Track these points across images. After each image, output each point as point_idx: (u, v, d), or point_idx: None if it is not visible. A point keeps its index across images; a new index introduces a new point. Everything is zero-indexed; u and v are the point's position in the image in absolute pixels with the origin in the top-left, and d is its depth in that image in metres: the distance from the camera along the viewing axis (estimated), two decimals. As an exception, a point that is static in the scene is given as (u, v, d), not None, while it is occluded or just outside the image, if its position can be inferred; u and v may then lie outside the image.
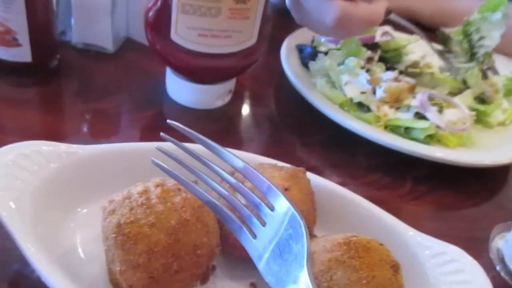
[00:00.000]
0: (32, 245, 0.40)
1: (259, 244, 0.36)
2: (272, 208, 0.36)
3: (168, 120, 0.41)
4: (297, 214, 0.35)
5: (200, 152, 0.39)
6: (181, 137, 0.40)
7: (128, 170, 0.50)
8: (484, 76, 0.90)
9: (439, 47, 0.97)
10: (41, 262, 0.39)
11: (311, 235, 0.47)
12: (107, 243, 0.41)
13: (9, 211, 0.41)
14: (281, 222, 0.36)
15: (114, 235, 0.39)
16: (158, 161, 0.39)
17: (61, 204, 0.48)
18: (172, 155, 0.39)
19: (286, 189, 0.46)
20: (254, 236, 0.37)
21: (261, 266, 0.36)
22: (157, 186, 0.42)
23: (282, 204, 0.36)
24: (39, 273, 0.39)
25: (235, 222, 0.37)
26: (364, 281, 0.38)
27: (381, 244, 0.42)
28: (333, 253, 0.40)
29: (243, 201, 0.38)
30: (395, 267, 0.40)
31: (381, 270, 0.39)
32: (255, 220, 0.37)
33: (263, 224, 0.37)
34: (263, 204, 0.37)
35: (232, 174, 0.39)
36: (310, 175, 0.53)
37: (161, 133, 0.39)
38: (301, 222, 0.35)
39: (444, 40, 0.98)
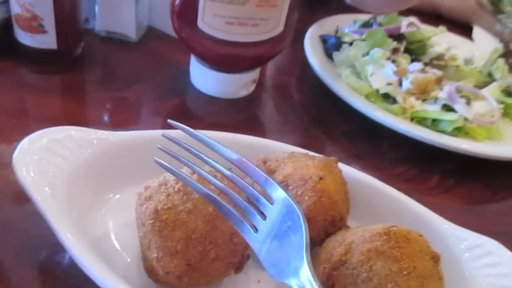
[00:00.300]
0: (68, 230, 0.39)
1: (260, 237, 0.37)
2: (271, 202, 0.37)
3: (168, 120, 0.42)
4: (295, 206, 0.35)
5: (199, 149, 0.40)
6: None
7: (157, 155, 0.49)
8: (511, 69, 0.88)
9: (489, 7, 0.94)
10: (77, 248, 0.39)
11: (345, 226, 0.47)
12: (143, 229, 0.40)
13: (44, 196, 0.41)
14: (280, 214, 0.36)
15: (151, 221, 0.39)
16: (160, 160, 0.40)
17: (93, 190, 0.47)
18: (172, 154, 0.40)
19: (320, 178, 0.45)
20: (255, 230, 0.37)
21: (262, 258, 0.37)
22: (193, 173, 0.41)
23: (280, 196, 0.36)
24: (74, 259, 0.39)
25: (236, 216, 0.38)
26: (405, 272, 0.37)
27: (420, 235, 0.41)
28: (372, 243, 0.39)
29: (242, 195, 0.39)
30: (435, 258, 0.39)
31: (421, 261, 0.38)
32: (255, 213, 0.38)
33: (263, 217, 0.37)
34: (262, 197, 0.37)
35: (230, 170, 0.40)
36: (341, 165, 0.52)
37: (163, 133, 0.42)
38: (299, 213, 0.35)
39: (494, 1, 0.95)
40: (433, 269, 0.39)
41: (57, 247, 0.44)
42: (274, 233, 0.36)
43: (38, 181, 0.42)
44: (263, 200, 0.37)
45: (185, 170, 0.41)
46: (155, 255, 0.39)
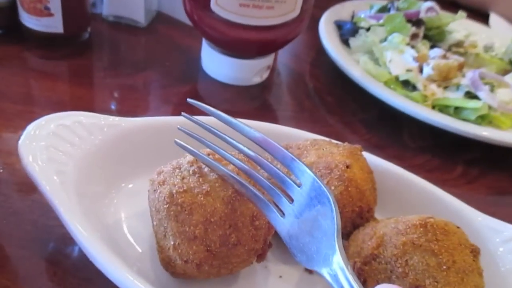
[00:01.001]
0: (77, 222, 0.36)
1: (288, 222, 0.34)
2: (299, 185, 0.34)
3: (188, 99, 0.40)
4: (324, 188, 0.33)
5: (222, 130, 0.38)
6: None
7: (172, 143, 0.46)
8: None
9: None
10: (87, 240, 0.36)
11: (372, 218, 0.44)
12: (158, 216, 0.37)
13: (52, 184, 0.38)
14: (308, 198, 0.34)
15: (166, 206, 0.36)
16: (181, 142, 0.39)
17: (104, 179, 0.44)
18: (193, 134, 0.39)
19: (347, 167, 0.42)
20: (282, 214, 0.35)
21: (290, 244, 0.34)
22: (208, 155, 0.38)
23: (308, 178, 0.34)
24: (85, 252, 0.36)
25: (261, 199, 0.36)
26: (444, 267, 0.35)
27: (458, 227, 0.38)
28: (408, 235, 0.36)
29: (268, 177, 0.37)
30: (475, 252, 0.37)
31: (461, 254, 0.36)
32: (282, 196, 0.35)
33: (291, 201, 0.35)
34: (289, 179, 0.35)
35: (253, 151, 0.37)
36: (365, 154, 0.49)
37: (182, 113, 0.40)
38: (330, 197, 0.32)
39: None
40: (473, 263, 0.36)
41: (66, 239, 0.41)
42: (302, 217, 0.34)
43: (46, 169, 0.39)
44: (290, 182, 0.35)
45: (204, 153, 0.38)
46: (172, 242, 0.36)
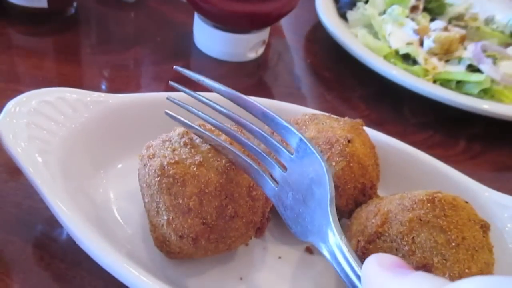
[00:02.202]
0: (63, 203, 0.34)
1: (282, 192, 0.33)
2: (291, 152, 0.32)
3: (174, 66, 0.38)
4: (318, 156, 0.31)
5: (213, 99, 0.37)
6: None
7: (162, 121, 0.44)
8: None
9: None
10: (73, 223, 0.34)
11: (375, 194, 0.42)
12: (149, 192, 0.35)
13: (35, 165, 0.35)
14: (301, 166, 0.32)
15: (157, 179, 0.33)
16: (171, 112, 0.37)
17: (92, 159, 0.42)
18: (183, 104, 0.38)
19: (349, 141, 0.40)
20: (276, 184, 0.33)
21: (285, 215, 0.32)
22: (199, 126, 0.36)
23: (301, 146, 0.32)
24: (71, 234, 0.34)
25: (253, 168, 0.34)
26: (453, 244, 0.33)
27: (466, 202, 0.36)
28: (414, 211, 0.34)
29: (261, 146, 0.35)
30: (485, 227, 0.35)
31: (471, 231, 0.34)
32: (275, 165, 0.33)
33: (284, 169, 0.33)
34: (281, 147, 0.33)
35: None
36: (366, 129, 0.47)
37: (170, 82, 0.38)
38: (323, 164, 0.30)
39: None
40: (483, 239, 0.34)
41: (53, 222, 0.39)
42: (296, 186, 0.32)
43: (28, 148, 0.36)
44: (283, 150, 0.33)
45: (196, 124, 0.36)
46: (165, 218, 0.34)
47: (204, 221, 0.33)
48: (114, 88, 0.61)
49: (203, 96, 0.36)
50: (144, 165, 0.35)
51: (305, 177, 0.31)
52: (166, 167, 0.33)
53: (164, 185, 0.33)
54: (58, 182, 0.36)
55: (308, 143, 0.31)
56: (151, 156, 0.35)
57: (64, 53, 0.64)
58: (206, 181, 0.33)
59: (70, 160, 0.39)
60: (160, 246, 0.36)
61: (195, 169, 0.33)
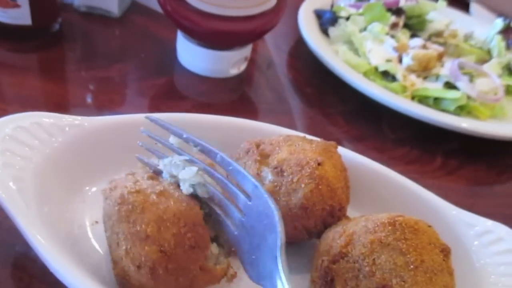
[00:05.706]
0: (36, 231, 0.35)
1: (240, 236, 0.35)
2: (249, 198, 0.34)
3: (145, 115, 0.41)
4: (270, 202, 0.33)
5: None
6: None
7: (137, 143, 0.45)
8: (508, 47, 0.85)
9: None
10: (46, 250, 0.34)
11: (345, 216, 0.43)
12: (109, 223, 0.35)
13: (8, 192, 0.36)
14: (257, 212, 0.34)
15: (117, 208, 0.34)
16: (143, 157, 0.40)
17: (67, 183, 0.43)
18: (156, 138, 0.40)
19: (319, 164, 0.41)
20: (236, 228, 0.35)
21: (242, 258, 0.34)
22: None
23: (256, 193, 0.34)
24: (46, 263, 0.34)
25: (217, 214, 0.36)
26: (412, 266, 0.34)
27: (429, 226, 0.37)
28: (376, 234, 0.35)
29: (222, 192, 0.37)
30: (445, 251, 0.36)
31: (430, 254, 0.35)
32: (235, 211, 0.35)
33: (243, 215, 0.35)
34: (240, 193, 0.35)
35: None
36: (340, 149, 0.48)
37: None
38: (275, 212, 0.32)
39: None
40: (443, 263, 0.35)
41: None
42: (253, 232, 0.34)
43: (2, 176, 0.37)
44: (242, 196, 0.35)
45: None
46: (124, 247, 0.34)
47: (161, 248, 0.33)
48: (98, 104, 0.62)
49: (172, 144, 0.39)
50: (106, 198, 0.36)
51: (260, 223, 0.33)
52: (126, 195, 0.34)
53: (123, 213, 0.34)
54: (32, 209, 0.36)
55: (262, 190, 0.33)
56: (112, 188, 0.36)
57: (49, 70, 0.65)
58: (165, 208, 0.34)
59: (45, 185, 0.40)
60: (121, 283, 0.36)
61: (155, 197, 0.34)
